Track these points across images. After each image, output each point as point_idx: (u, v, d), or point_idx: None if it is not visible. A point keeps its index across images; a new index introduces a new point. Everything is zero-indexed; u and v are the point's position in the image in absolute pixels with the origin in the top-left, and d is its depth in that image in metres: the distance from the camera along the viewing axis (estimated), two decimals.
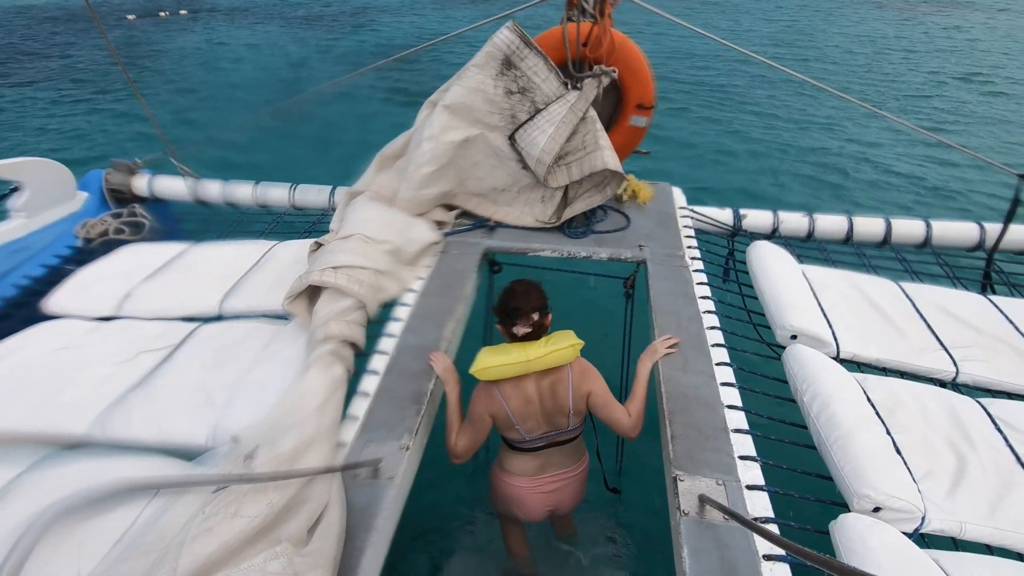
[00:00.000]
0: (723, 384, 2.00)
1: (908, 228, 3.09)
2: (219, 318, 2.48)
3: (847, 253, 3.11)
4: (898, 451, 1.73)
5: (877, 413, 1.88)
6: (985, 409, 1.97)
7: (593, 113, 2.82)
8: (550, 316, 2.07)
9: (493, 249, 2.88)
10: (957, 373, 2.18)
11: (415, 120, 3.01)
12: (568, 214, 2.94)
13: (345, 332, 2.13)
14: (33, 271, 2.95)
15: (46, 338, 2.32)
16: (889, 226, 3.09)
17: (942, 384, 2.17)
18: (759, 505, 1.59)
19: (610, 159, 2.74)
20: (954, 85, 11.64)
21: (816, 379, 1.95)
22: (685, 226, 2.99)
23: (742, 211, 3.19)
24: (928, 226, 3.06)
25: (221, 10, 19.72)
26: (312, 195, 3.62)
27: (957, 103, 10.60)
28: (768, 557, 1.43)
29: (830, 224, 3.14)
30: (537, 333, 1.98)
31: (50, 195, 3.30)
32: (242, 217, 3.70)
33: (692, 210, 3.15)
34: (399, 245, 2.64)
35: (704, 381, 2.01)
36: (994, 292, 2.85)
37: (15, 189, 3.16)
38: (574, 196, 2.98)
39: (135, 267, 2.81)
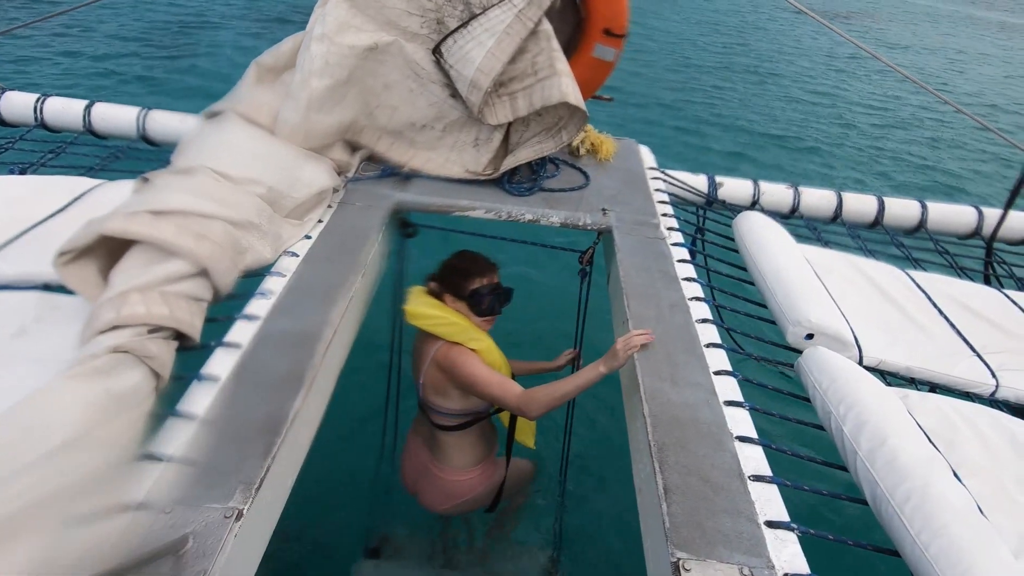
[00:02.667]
0: (728, 404, 1.40)
1: (902, 209, 2.65)
2: None
3: (836, 233, 2.63)
4: (979, 508, 1.21)
5: (936, 447, 1.35)
6: None
7: (548, 27, 2.11)
8: (449, 297, 1.98)
9: (407, 205, 2.15)
10: (997, 387, 1.71)
11: (308, 21, 2.18)
12: (510, 163, 2.24)
13: (157, 312, 1.32)
14: None
15: None
16: (882, 205, 2.64)
17: (976, 398, 1.72)
18: None
19: (570, 89, 2.06)
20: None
21: (856, 399, 1.39)
22: (657, 190, 2.37)
23: (718, 178, 2.62)
24: (924, 208, 2.64)
25: None
26: (173, 124, 2.69)
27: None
28: None
29: (817, 199, 2.65)
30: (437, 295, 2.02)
31: None
32: (63, 146, 2.70)
33: (664, 172, 2.55)
34: (279, 189, 1.84)
35: (702, 398, 1.40)
36: (1000, 284, 2.47)
37: None
38: (519, 140, 2.28)
39: None
